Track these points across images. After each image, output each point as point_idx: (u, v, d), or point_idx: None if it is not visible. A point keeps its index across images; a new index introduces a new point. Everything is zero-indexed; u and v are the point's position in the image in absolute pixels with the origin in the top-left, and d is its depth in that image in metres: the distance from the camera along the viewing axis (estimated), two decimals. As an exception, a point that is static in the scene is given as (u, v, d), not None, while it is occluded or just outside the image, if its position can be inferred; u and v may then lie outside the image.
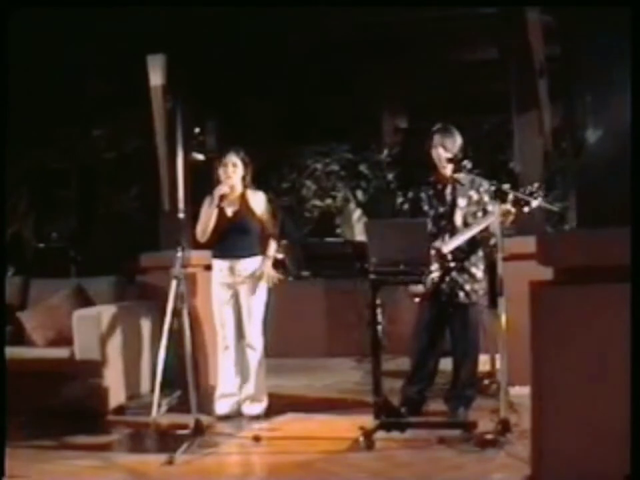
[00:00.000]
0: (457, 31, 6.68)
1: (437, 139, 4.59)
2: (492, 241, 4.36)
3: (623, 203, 2.59)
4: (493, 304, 4.35)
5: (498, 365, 4.51)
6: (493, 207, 4.34)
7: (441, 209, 4.60)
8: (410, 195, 4.86)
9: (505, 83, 6.17)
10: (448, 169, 4.58)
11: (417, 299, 4.54)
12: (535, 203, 4.23)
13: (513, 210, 4.24)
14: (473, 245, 4.53)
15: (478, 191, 4.57)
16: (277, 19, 6.21)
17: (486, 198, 4.55)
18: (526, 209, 4.24)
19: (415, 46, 7.12)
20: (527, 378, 2.71)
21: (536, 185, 4.29)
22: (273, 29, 6.48)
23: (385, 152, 8.95)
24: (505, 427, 4.00)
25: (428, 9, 5.97)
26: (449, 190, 4.62)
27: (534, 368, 2.64)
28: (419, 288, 4.47)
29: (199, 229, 4.99)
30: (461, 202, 4.57)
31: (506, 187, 4.23)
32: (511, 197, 4.20)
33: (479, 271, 4.60)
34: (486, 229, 4.38)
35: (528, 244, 3.25)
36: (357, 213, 8.81)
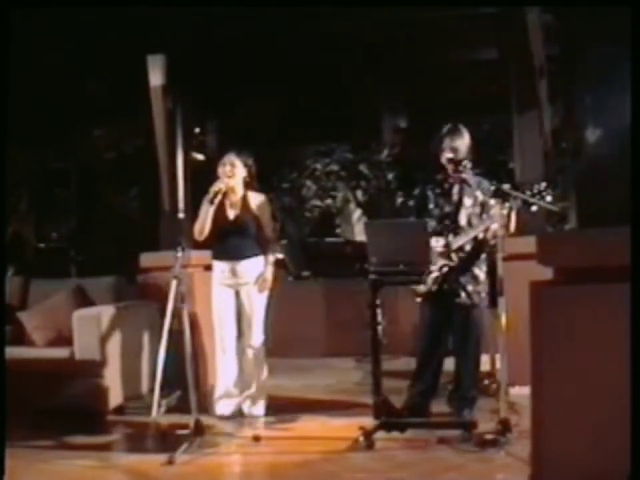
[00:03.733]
0: (457, 30, 6.68)
1: (446, 142, 4.53)
2: (492, 241, 4.36)
3: (623, 203, 2.59)
4: (493, 304, 4.34)
5: (498, 364, 4.51)
6: (494, 210, 4.29)
7: (447, 208, 4.59)
8: (416, 192, 4.84)
9: (505, 82, 6.17)
10: (458, 169, 4.54)
11: (418, 299, 4.54)
12: (543, 202, 4.20)
13: (513, 218, 4.23)
14: (476, 246, 4.51)
15: (483, 193, 4.54)
16: (277, 19, 6.20)
17: (491, 201, 4.49)
18: (534, 208, 4.22)
19: (415, 46, 7.12)
20: (526, 378, 2.71)
21: (544, 184, 4.25)
22: (273, 29, 6.48)
23: (385, 152, 8.95)
24: (505, 426, 3.99)
25: (428, 8, 5.97)
26: (455, 189, 4.60)
27: (534, 368, 2.64)
28: (422, 288, 4.47)
29: (197, 227, 4.99)
30: (467, 202, 4.56)
31: (506, 186, 4.22)
32: (517, 201, 4.16)
33: (481, 273, 4.57)
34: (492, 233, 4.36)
35: (528, 244, 3.25)
36: (357, 213, 8.81)
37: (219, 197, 4.89)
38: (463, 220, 4.54)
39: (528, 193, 4.18)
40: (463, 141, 4.55)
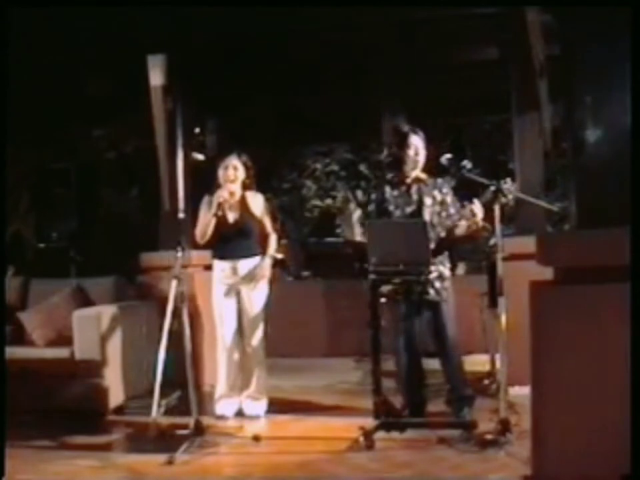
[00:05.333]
0: (457, 30, 6.68)
1: (417, 139, 4.69)
2: (492, 241, 4.36)
3: (623, 203, 2.59)
4: (493, 304, 4.34)
5: (498, 364, 4.50)
6: (453, 208, 4.56)
7: (408, 209, 4.66)
8: (373, 196, 4.87)
9: (505, 82, 6.17)
10: (416, 170, 4.66)
11: (382, 299, 4.51)
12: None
13: (480, 217, 4.30)
14: (439, 244, 4.57)
15: (441, 192, 4.66)
16: (277, 19, 6.20)
17: (448, 199, 4.64)
18: (503, 200, 4.27)
19: (415, 46, 7.12)
20: (526, 378, 2.71)
21: (508, 179, 4.34)
22: (273, 29, 6.48)
23: (385, 152, 8.95)
24: (505, 427, 3.99)
25: (428, 8, 5.97)
26: (414, 190, 4.69)
27: (534, 368, 2.64)
28: (385, 288, 4.45)
29: (198, 232, 4.99)
30: (427, 201, 4.64)
31: (506, 186, 4.23)
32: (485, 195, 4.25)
33: (446, 270, 4.64)
34: (483, 227, 4.42)
35: (528, 244, 3.25)
36: (357, 213, 8.82)
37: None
38: (427, 218, 4.59)
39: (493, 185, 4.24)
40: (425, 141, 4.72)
